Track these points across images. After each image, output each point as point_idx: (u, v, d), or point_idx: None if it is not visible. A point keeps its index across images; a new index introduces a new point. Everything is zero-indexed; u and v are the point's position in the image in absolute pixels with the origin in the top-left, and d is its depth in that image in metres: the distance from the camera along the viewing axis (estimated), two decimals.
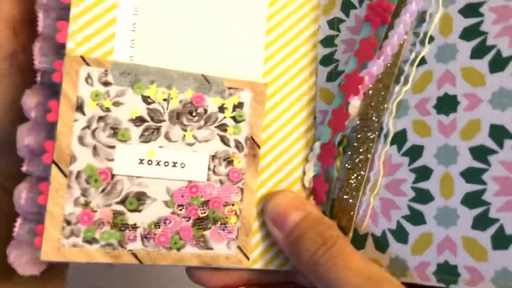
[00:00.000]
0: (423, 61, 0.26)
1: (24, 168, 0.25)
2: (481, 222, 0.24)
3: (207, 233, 0.26)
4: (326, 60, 0.30)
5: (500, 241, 0.23)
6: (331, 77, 0.30)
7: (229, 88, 0.27)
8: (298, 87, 0.29)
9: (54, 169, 0.24)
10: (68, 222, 0.24)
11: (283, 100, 0.29)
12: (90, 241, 0.25)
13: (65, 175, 0.25)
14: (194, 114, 0.27)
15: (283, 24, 0.29)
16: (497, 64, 0.24)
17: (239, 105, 0.27)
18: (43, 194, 0.24)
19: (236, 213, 0.27)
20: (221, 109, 0.27)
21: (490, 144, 0.24)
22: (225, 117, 0.27)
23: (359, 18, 0.29)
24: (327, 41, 0.30)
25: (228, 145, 0.27)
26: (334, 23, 0.30)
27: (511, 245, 0.23)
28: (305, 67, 0.30)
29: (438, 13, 0.26)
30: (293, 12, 0.30)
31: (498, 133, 0.24)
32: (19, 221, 0.25)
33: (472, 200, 0.24)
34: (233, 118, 0.27)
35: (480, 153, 0.24)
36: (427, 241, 0.25)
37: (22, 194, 0.25)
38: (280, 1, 0.29)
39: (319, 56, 0.30)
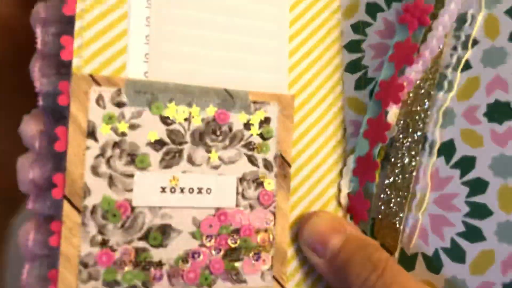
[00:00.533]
0: (467, 66, 0.25)
1: (29, 206, 0.22)
2: None
3: (239, 264, 0.24)
4: (353, 67, 0.28)
5: None
6: (360, 85, 0.28)
7: (254, 102, 0.24)
8: (325, 97, 0.27)
9: (66, 205, 0.21)
10: (85, 265, 0.21)
11: (311, 113, 0.26)
12: (111, 284, 0.22)
13: (79, 211, 0.22)
14: (218, 133, 0.24)
15: (306, 29, 0.27)
16: None
17: (266, 120, 0.25)
18: (54, 234, 0.21)
19: (269, 240, 0.24)
20: (247, 125, 0.24)
21: None
22: (251, 135, 0.24)
23: (389, 22, 0.27)
24: (352, 46, 0.28)
25: (256, 165, 0.24)
26: (359, 27, 0.28)
27: None
28: (330, 75, 0.27)
29: (481, 14, 0.24)
30: (315, 16, 0.27)
31: None
32: (26, 267, 0.22)
33: None
34: (260, 135, 0.25)
35: None
36: (489, 259, 0.23)
37: (29, 236, 0.22)
38: (301, 4, 0.27)
39: (344, 63, 0.28)
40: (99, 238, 0.22)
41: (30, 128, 0.23)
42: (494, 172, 0.23)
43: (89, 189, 0.22)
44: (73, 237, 0.21)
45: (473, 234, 0.23)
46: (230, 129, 0.24)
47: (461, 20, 0.25)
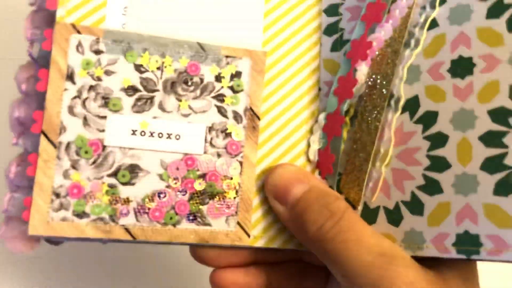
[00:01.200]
0: (434, 24, 0.25)
1: (14, 141, 0.24)
2: (503, 188, 0.22)
3: (204, 208, 0.25)
4: (330, 30, 0.29)
5: None
6: (336, 46, 0.28)
7: (227, 56, 0.26)
8: (300, 57, 0.28)
9: (43, 139, 0.23)
10: (57, 195, 0.23)
11: (284, 71, 0.27)
12: (80, 215, 0.24)
13: (55, 146, 0.23)
14: (189, 83, 0.25)
15: None
16: None
17: (237, 74, 0.26)
18: (31, 165, 0.23)
19: (235, 187, 0.25)
20: (218, 78, 0.26)
21: (511, 105, 0.22)
22: (222, 87, 0.26)
23: None
24: (331, 10, 0.29)
25: (225, 116, 0.26)
26: None
27: None
28: (308, 36, 0.28)
29: None
30: None
31: None
32: (7, 196, 0.24)
33: (492, 165, 0.22)
34: (231, 88, 0.26)
35: (499, 115, 0.22)
36: (445, 211, 0.23)
37: (11, 168, 0.24)
38: None
39: (323, 26, 0.29)
40: (72, 172, 0.24)
41: (22, 75, 0.25)
42: (454, 126, 0.23)
43: (65, 127, 0.24)
44: (47, 169, 0.23)
45: (432, 187, 0.23)
46: (202, 81, 0.25)
47: None
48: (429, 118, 0.24)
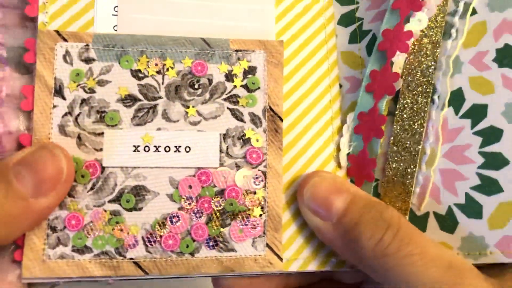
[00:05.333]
0: (473, 12, 0.22)
1: None
2: None
3: (226, 230, 0.21)
4: (346, 20, 0.25)
5: None
6: (355, 38, 0.25)
7: (237, 51, 0.22)
8: (317, 50, 0.24)
9: None
10: (53, 229, 0.20)
11: (302, 65, 0.24)
12: (82, 250, 0.20)
13: None
14: (196, 86, 0.22)
15: None
16: None
17: (251, 70, 0.22)
18: None
19: (260, 203, 0.22)
20: (229, 77, 0.22)
21: None
22: (235, 87, 0.22)
23: None
24: None
25: (242, 120, 0.22)
26: None
27: None
28: (322, 27, 0.25)
29: None
30: None
31: None
32: None
33: None
34: (245, 86, 0.22)
35: None
36: (508, 211, 0.20)
37: None
38: None
39: (337, 16, 0.25)
40: (68, 200, 0.20)
41: None
42: (508, 119, 0.20)
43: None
44: None
45: (489, 186, 0.20)
46: (210, 82, 0.22)
47: None
48: (478, 112, 0.21)
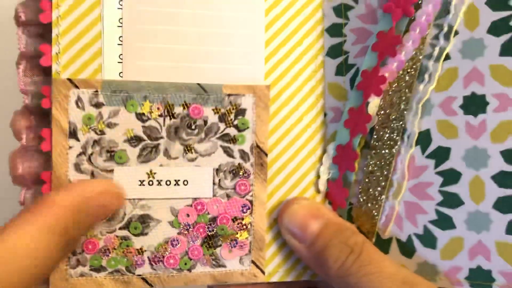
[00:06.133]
0: (447, 57, 0.24)
1: (21, 199, 0.24)
2: None
3: (218, 250, 0.25)
4: (334, 52, 0.27)
5: None
6: (341, 70, 0.27)
7: (229, 95, 0.25)
8: (304, 83, 0.27)
9: None
10: (73, 253, 0.24)
11: (289, 101, 0.27)
12: (98, 269, 0.24)
13: None
14: (193, 127, 0.25)
15: (285, 15, 0.27)
16: None
17: (241, 112, 0.25)
18: None
19: (246, 227, 0.26)
20: (222, 118, 0.25)
21: None
22: (227, 127, 0.25)
23: (370, 6, 0.26)
24: (334, 30, 0.27)
25: (232, 156, 0.25)
26: (341, 10, 0.27)
27: None
28: (311, 60, 0.27)
29: (464, 4, 0.23)
30: (293, 1, 0.27)
31: None
32: None
33: (505, 204, 0.22)
34: (236, 126, 0.25)
35: None
36: (458, 246, 0.23)
37: None
38: None
39: (326, 47, 0.28)
40: None
41: (19, 123, 0.25)
42: (467, 164, 0.23)
43: None
44: None
45: (445, 222, 0.24)
46: (205, 123, 0.25)
47: (445, 9, 0.24)
48: (442, 154, 0.24)
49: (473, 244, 0.23)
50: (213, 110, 0.25)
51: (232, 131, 0.25)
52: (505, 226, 0.22)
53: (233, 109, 0.25)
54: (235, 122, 0.25)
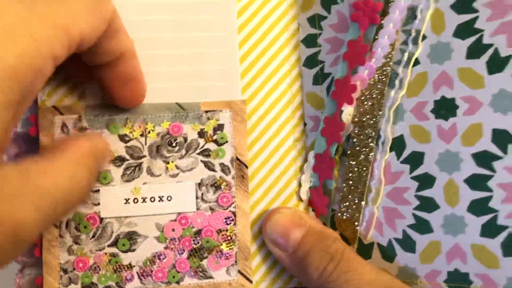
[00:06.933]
0: (416, 62, 0.24)
1: None
2: (489, 230, 0.22)
3: (204, 262, 0.26)
4: (310, 62, 0.28)
5: (510, 247, 0.21)
6: (317, 79, 0.28)
7: (207, 111, 0.26)
8: (282, 95, 0.28)
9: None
10: (65, 271, 0.25)
11: (267, 113, 0.27)
12: (89, 286, 0.25)
13: (56, 226, 0.25)
14: (174, 144, 0.26)
15: (259, 30, 0.27)
16: (496, 64, 0.22)
17: (219, 127, 0.26)
18: (37, 246, 0.25)
19: (231, 238, 0.26)
20: (201, 134, 0.26)
21: (494, 149, 0.22)
22: (206, 142, 0.26)
23: (342, 15, 0.27)
24: (309, 41, 0.28)
25: (213, 170, 0.26)
26: (315, 20, 0.28)
27: None
28: (288, 71, 0.28)
29: (430, 8, 0.24)
30: (267, 15, 0.28)
31: (501, 138, 0.22)
32: (18, 274, 0.26)
33: (479, 207, 0.22)
34: (215, 141, 0.26)
35: (484, 159, 0.22)
36: (436, 249, 0.24)
37: None
38: (251, 7, 0.27)
39: (302, 58, 0.28)
40: (75, 247, 0.25)
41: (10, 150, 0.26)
42: (441, 168, 0.23)
43: None
44: (52, 247, 0.25)
45: (422, 226, 0.24)
46: (185, 140, 0.26)
47: (411, 14, 0.24)
48: (416, 159, 0.24)
49: (450, 248, 0.23)
50: (192, 127, 0.26)
51: (211, 146, 0.26)
52: (479, 228, 0.22)
53: (211, 124, 0.26)
54: (214, 137, 0.26)
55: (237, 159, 0.26)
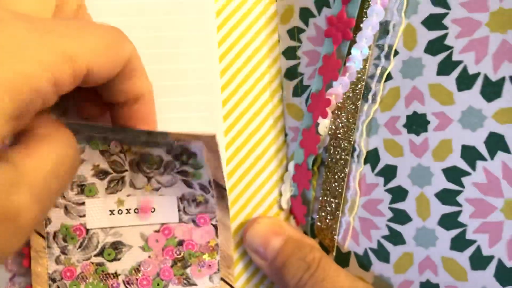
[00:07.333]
0: (389, 77, 0.25)
1: None
2: (458, 243, 0.23)
3: (187, 270, 0.27)
4: (291, 74, 0.28)
5: (478, 261, 0.22)
6: (297, 91, 0.28)
7: (177, 140, 0.26)
8: (262, 107, 0.28)
9: (31, 233, 0.26)
10: (53, 280, 0.26)
11: (248, 124, 0.28)
12: None
13: (43, 237, 0.26)
14: (151, 162, 0.26)
15: (239, 43, 0.28)
16: (465, 82, 0.22)
17: (192, 155, 0.26)
18: (25, 257, 0.26)
19: (213, 248, 0.27)
20: (176, 157, 0.26)
21: (463, 165, 0.22)
22: (182, 165, 0.27)
23: (320, 28, 0.27)
24: (289, 53, 0.28)
25: (193, 188, 0.27)
26: (294, 33, 0.28)
27: (489, 266, 0.22)
28: (268, 84, 0.28)
29: (402, 24, 0.24)
30: (247, 29, 0.28)
31: (469, 154, 0.22)
32: (9, 282, 0.27)
33: (448, 221, 0.23)
34: (191, 165, 0.27)
35: (453, 174, 0.23)
36: (408, 260, 0.24)
37: (7, 259, 0.26)
38: (229, 23, 0.28)
39: (283, 69, 0.29)
40: (62, 257, 0.26)
41: None
42: (412, 181, 0.24)
43: (50, 218, 0.26)
44: (40, 258, 0.26)
45: (396, 238, 0.25)
46: (162, 160, 0.26)
47: (384, 30, 0.25)
48: (389, 172, 0.25)
49: (422, 259, 0.24)
50: (165, 151, 0.26)
51: (188, 168, 0.27)
52: (449, 242, 0.23)
53: (183, 152, 0.26)
54: (190, 162, 0.26)
55: (214, 181, 0.26)
